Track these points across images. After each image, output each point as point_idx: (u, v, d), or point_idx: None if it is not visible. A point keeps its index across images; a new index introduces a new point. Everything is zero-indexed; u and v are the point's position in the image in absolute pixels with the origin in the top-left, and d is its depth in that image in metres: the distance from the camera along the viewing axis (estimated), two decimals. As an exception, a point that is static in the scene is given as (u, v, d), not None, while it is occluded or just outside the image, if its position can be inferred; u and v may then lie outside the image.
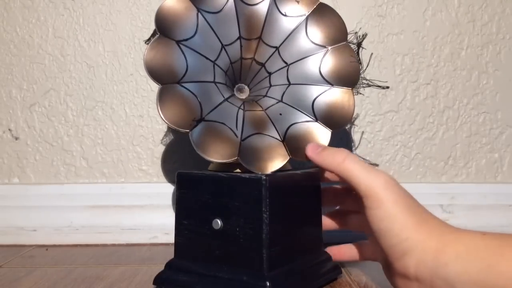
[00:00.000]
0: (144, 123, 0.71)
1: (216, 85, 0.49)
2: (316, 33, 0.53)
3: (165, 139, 0.71)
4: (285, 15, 0.53)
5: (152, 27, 0.70)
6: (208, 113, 0.46)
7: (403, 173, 0.71)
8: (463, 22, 0.72)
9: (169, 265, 0.48)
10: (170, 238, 0.69)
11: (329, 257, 0.51)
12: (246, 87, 0.53)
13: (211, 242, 0.45)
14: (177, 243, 0.48)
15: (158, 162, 0.71)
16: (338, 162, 0.43)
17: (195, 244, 0.46)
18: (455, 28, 0.72)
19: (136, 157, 0.71)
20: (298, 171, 0.48)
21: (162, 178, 0.71)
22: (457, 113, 0.72)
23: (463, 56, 0.72)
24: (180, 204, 0.48)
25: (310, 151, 0.46)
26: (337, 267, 0.51)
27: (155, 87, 0.71)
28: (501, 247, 0.34)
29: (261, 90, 0.53)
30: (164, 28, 0.47)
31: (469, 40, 0.72)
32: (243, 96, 0.53)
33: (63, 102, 0.71)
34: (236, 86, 0.53)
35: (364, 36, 0.54)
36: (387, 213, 0.39)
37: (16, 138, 0.71)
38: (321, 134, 0.49)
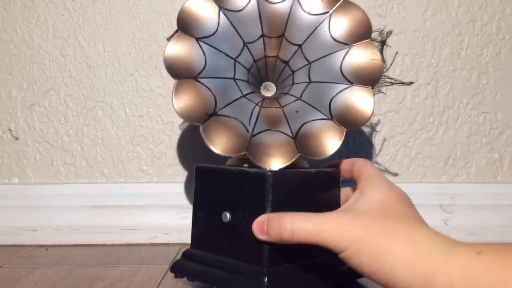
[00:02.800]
0: (144, 123, 0.71)
1: (235, 82, 0.49)
2: (339, 31, 0.52)
3: (165, 139, 0.71)
4: (308, 13, 0.53)
5: (152, 27, 0.71)
6: (222, 108, 0.47)
7: (403, 173, 0.71)
8: (463, 22, 0.72)
9: (184, 254, 0.50)
10: (170, 238, 0.69)
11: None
12: (273, 85, 0.54)
13: (220, 234, 0.46)
14: (193, 233, 0.50)
15: (158, 162, 0.71)
16: (290, 232, 0.40)
17: (207, 235, 0.48)
18: (455, 28, 0.72)
19: (136, 157, 0.71)
20: (312, 170, 0.47)
21: (162, 178, 0.71)
22: (457, 113, 0.72)
23: (463, 56, 0.72)
24: (197, 196, 0.50)
25: (257, 232, 0.42)
26: (354, 271, 0.50)
27: (155, 87, 0.71)
28: (502, 272, 0.31)
29: (285, 88, 0.53)
30: (185, 25, 0.48)
31: (469, 40, 0.72)
32: (269, 94, 0.53)
33: (63, 102, 0.71)
34: (263, 84, 0.54)
35: (389, 33, 0.53)
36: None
37: (16, 138, 0.71)
38: (334, 133, 0.48)
